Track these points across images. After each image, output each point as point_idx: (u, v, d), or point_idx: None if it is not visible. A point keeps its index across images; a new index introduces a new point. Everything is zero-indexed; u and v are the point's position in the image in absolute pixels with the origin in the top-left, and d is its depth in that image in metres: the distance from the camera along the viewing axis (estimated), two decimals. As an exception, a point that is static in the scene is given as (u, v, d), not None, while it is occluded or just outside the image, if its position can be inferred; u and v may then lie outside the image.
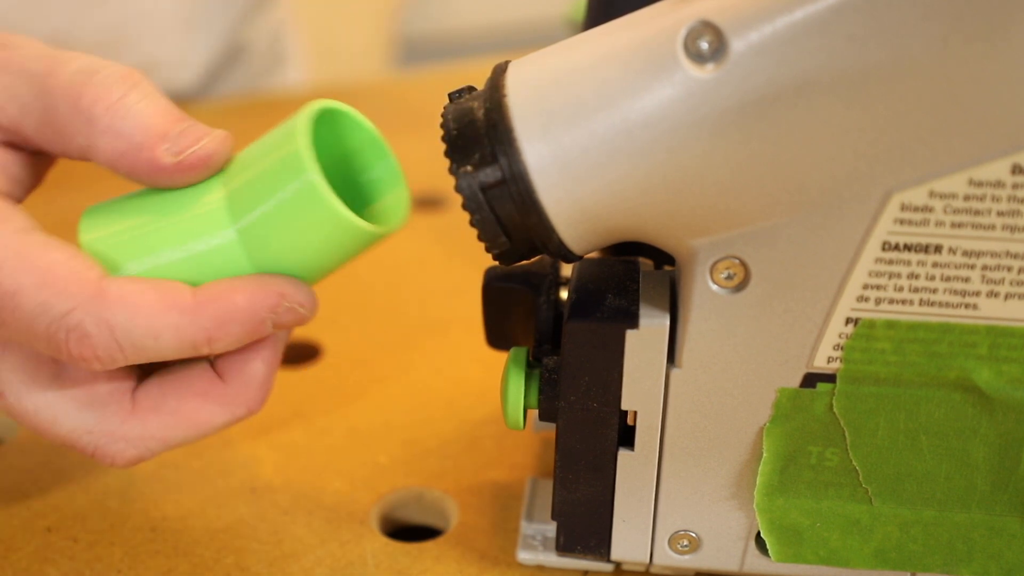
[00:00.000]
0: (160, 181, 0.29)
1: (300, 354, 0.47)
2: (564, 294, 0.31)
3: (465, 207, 0.26)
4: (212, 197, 0.29)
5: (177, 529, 0.36)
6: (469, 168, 0.26)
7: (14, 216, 0.29)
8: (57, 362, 0.30)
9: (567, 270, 0.33)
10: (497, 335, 0.32)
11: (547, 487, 0.35)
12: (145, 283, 0.28)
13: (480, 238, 0.26)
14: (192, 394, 0.31)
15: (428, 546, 0.35)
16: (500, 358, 0.44)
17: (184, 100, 0.71)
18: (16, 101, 0.29)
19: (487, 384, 0.43)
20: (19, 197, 0.31)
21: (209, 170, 0.29)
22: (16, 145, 0.30)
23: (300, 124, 0.28)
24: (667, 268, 0.30)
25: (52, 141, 0.29)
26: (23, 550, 0.35)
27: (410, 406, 0.42)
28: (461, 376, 0.44)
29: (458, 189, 0.26)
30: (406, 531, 0.37)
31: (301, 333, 0.48)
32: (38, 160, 0.31)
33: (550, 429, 0.37)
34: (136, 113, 0.28)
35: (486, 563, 0.34)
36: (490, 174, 0.26)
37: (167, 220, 0.29)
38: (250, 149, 0.29)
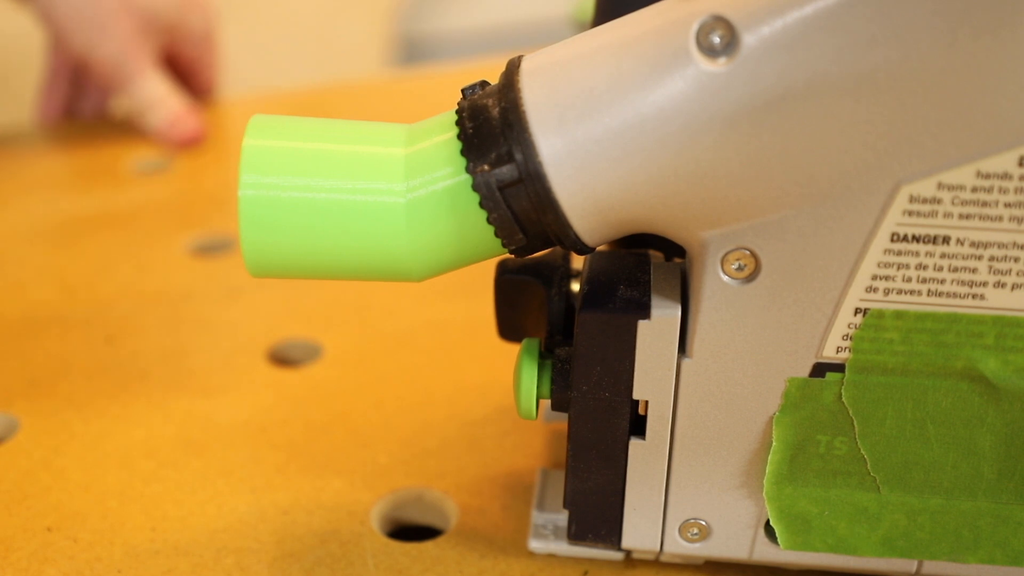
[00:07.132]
0: None
1: (300, 354, 0.47)
2: (575, 286, 0.31)
3: (482, 205, 0.26)
4: (394, 150, 0.27)
5: (177, 529, 0.35)
6: (486, 167, 0.26)
7: None
8: None
9: (578, 262, 0.34)
10: (509, 327, 0.32)
11: (557, 477, 0.35)
12: None
13: (497, 235, 0.27)
14: None
15: (428, 546, 0.35)
16: (500, 358, 0.45)
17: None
18: None
19: (487, 384, 0.43)
20: None
21: None
22: None
23: None
24: (677, 260, 0.31)
25: None
26: (23, 550, 0.34)
27: (410, 406, 0.42)
28: (461, 376, 0.44)
29: (475, 188, 0.26)
30: (406, 531, 0.37)
31: (301, 333, 0.48)
32: None
33: (560, 420, 0.38)
34: None
35: (486, 563, 0.34)
36: (507, 172, 0.26)
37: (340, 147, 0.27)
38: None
